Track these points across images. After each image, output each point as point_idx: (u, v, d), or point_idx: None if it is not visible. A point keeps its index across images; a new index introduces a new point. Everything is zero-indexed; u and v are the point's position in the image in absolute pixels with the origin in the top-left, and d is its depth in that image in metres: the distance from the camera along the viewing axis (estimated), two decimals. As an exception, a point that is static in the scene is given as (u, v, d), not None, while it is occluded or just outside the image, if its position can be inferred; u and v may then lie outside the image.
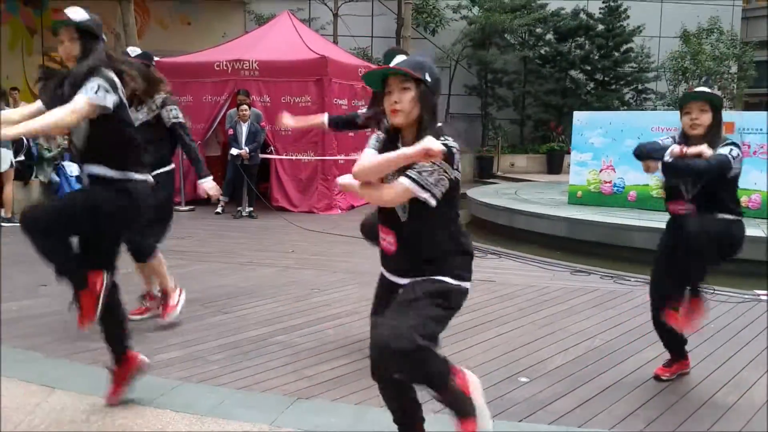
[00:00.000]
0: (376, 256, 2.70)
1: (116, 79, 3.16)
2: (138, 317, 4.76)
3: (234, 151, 9.70)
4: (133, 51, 4.93)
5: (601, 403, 3.58)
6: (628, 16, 19.12)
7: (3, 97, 9.66)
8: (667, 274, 3.80)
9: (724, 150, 3.46)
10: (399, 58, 2.46)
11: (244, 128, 9.74)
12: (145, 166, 3.36)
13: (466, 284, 2.53)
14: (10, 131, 2.95)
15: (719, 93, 3.61)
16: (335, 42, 16.04)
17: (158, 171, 4.51)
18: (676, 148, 3.48)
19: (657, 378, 3.92)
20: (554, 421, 3.37)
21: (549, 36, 19.79)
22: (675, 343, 3.95)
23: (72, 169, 10.35)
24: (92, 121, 3.10)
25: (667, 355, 4.02)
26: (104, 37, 3.28)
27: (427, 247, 2.47)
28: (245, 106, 9.77)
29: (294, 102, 10.46)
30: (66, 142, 10.77)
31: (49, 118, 2.99)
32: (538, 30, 19.61)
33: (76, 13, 3.20)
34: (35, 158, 10.16)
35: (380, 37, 19.27)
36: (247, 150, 9.67)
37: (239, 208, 10.08)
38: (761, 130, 8.81)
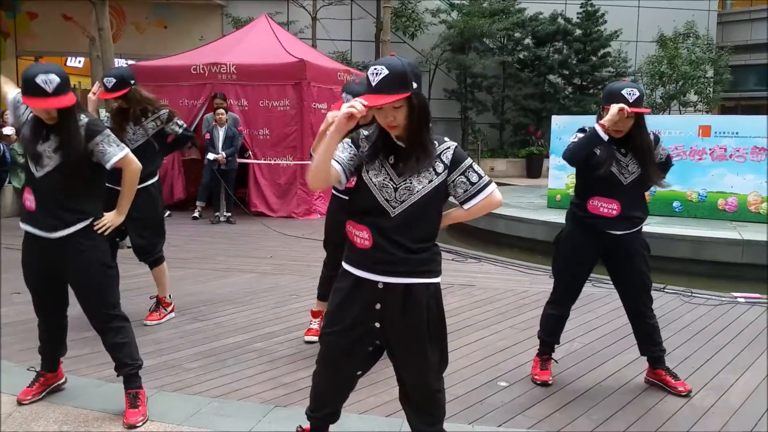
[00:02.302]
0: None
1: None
2: (154, 323, 4.91)
3: (211, 156, 9.61)
4: (108, 82, 4.59)
5: (579, 407, 3.57)
6: (606, 21, 19.31)
7: None
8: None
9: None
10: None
11: (221, 132, 9.66)
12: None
13: None
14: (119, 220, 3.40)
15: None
16: (314, 46, 16.01)
17: (151, 182, 4.78)
18: None
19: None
20: (533, 425, 3.36)
21: (527, 40, 19.93)
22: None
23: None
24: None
25: (643, 360, 4.02)
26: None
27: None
28: (222, 110, 9.68)
29: (272, 106, 10.40)
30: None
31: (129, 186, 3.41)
32: (517, 34, 19.73)
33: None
34: (9, 164, 10.00)
35: (359, 41, 19.30)
36: (224, 155, 9.59)
37: (217, 213, 9.99)
38: (737, 133, 8.91)
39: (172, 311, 5.09)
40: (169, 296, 5.10)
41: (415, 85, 2.35)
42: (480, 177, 2.49)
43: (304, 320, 4.98)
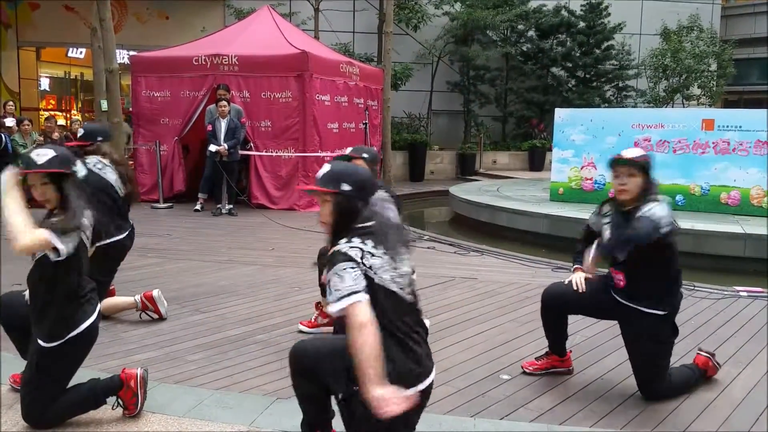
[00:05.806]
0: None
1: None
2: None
3: (213, 148, 9.58)
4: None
5: (581, 401, 3.57)
6: (609, 14, 19.21)
7: None
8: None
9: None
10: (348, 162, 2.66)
11: (223, 124, 9.64)
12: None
13: None
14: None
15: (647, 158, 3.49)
16: (316, 37, 15.93)
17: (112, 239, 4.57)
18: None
19: (524, 371, 3.93)
20: (535, 418, 3.36)
21: (531, 33, 19.83)
22: (560, 339, 3.94)
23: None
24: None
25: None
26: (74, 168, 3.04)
27: None
28: (224, 102, 9.65)
29: (274, 98, 10.38)
30: (41, 138, 10.62)
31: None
32: (520, 26, 19.63)
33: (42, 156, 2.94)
34: (10, 154, 9.99)
35: (362, 33, 19.21)
36: (226, 147, 9.57)
37: (219, 206, 9.98)
38: (740, 127, 8.88)
39: (143, 307, 4.76)
40: (135, 298, 4.77)
41: (345, 188, 2.43)
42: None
43: (306, 312, 4.98)
